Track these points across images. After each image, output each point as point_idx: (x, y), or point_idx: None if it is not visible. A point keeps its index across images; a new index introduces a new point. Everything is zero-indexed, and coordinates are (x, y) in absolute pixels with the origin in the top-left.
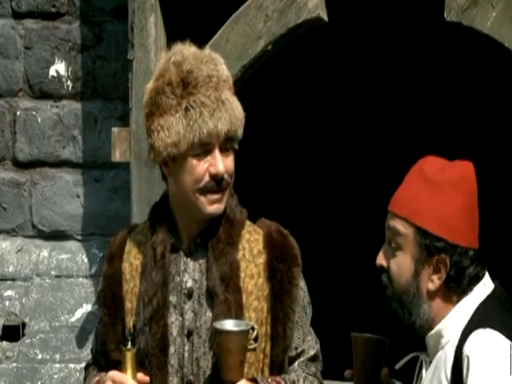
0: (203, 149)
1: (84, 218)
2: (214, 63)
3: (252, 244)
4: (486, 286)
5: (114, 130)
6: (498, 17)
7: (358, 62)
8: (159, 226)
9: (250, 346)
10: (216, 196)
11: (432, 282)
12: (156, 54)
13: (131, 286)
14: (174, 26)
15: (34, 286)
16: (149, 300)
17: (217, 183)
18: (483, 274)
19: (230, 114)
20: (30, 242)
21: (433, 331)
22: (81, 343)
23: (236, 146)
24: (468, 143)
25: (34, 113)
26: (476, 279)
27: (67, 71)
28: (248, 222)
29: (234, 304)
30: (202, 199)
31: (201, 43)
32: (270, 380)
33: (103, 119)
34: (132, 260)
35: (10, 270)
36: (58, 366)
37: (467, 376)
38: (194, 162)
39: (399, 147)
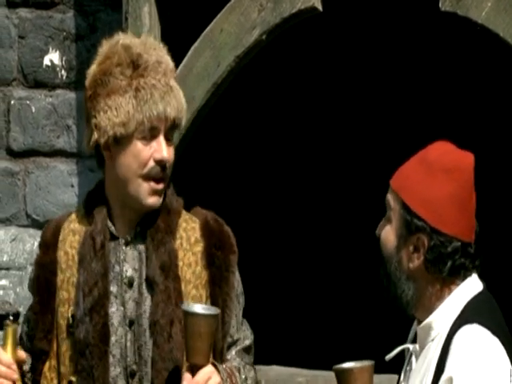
0: (150, 133)
1: None
2: (161, 51)
3: (189, 232)
4: (476, 284)
5: None
6: (492, 7)
7: (353, 52)
8: (97, 214)
9: None
10: (159, 186)
11: (412, 260)
12: None
13: (67, 275)
14: (168, 15)
15: (29, 276)
16: (89, 290)
17: (162, 169)
18: (471, 268)
19: (178, 102)
20: (24, 231)
21: (424, 323)
22: None
23: None
24: (464, 134)
25: (28, 102)
26: (460, 270)
27: (61, 60)
28: (184, 211)
29: (173, 292)
30: (145, 186)
31: (195, 33)
32: (224, 366)
33: None
34: (67, 249)
35: (5, 260)
36: None
37: (448, 367)
38: (140, 145)
39: (393, 141)
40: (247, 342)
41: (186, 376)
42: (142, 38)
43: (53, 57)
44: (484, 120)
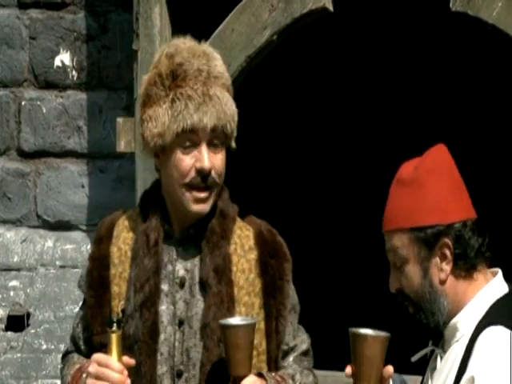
0: (190, 142)
1: (89, 209)
2: (207, 58)
3: (243, 240)
4: (501, 285)
5: (119, 120)
6: (503, 7)
7: (364, 52)
8: (152, 212)
9: None
10: (202, 194)
11: (442, 270)
12: (161, 45)
13: (119, 270)
14: (179, 16)
15: (39, 277)
16: (140, 286)
17: (202, 179)
18: (485, 244)
19: (218, 110)
20: (34, 232)
21: (449, 324)
22: None
23: (233, 144)
24: (474, 133)
25: (38, 103)
26: (481, 250)
27: (72, 61)
28: (238, 218)
29: (226, 297)
30: (188, 195)
31: (206, 33)
32: (274, 374)
33: (108, 109)
34: (121, 245)
35: (15, 260)
36: None
37: (470, 367)
38: (181, 155)
39: (404, 140)
40: (304, 347)
41: None
42: (190, 44)
43: (64, 57)
44: (494, 119)
